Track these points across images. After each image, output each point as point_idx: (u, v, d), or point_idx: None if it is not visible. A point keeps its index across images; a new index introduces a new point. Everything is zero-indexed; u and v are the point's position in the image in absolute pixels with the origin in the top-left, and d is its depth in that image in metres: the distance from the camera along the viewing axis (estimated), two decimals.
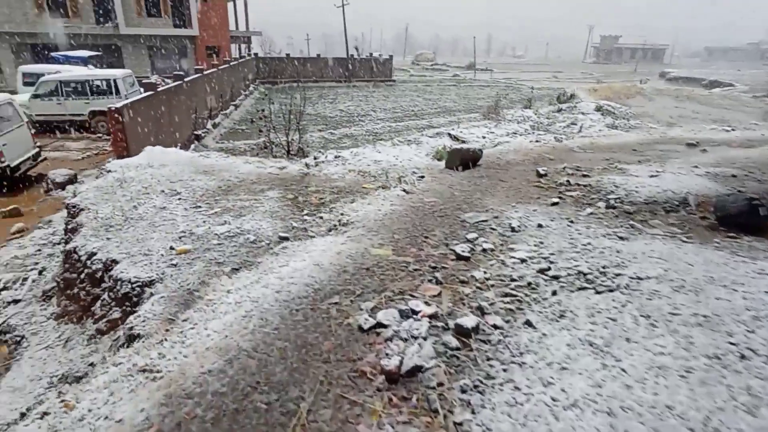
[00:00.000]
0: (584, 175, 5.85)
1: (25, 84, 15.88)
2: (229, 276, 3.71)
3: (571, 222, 4.35)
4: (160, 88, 10.96)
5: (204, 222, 5.45)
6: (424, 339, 2.43)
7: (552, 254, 3.48)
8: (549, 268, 3.18)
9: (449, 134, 11.67)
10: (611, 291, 2.84)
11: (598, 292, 2.84)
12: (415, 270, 3.25)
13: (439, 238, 3.90)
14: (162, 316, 3.76)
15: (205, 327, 2.77)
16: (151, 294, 4.16)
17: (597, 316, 2.61)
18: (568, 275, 3.09)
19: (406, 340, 2.43)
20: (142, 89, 11.20)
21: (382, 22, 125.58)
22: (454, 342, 2.44)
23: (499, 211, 4.59)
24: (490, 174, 6.21)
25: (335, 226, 4.56)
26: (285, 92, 25.75)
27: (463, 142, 11.21)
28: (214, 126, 16.51)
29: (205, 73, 15.88)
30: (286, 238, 5.13)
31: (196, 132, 13.98)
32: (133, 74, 15.81)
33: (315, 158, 9.35)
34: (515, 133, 12.53)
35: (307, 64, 32.94)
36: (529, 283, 3.01)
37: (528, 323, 2.61)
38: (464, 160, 6.52)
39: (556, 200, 4.92)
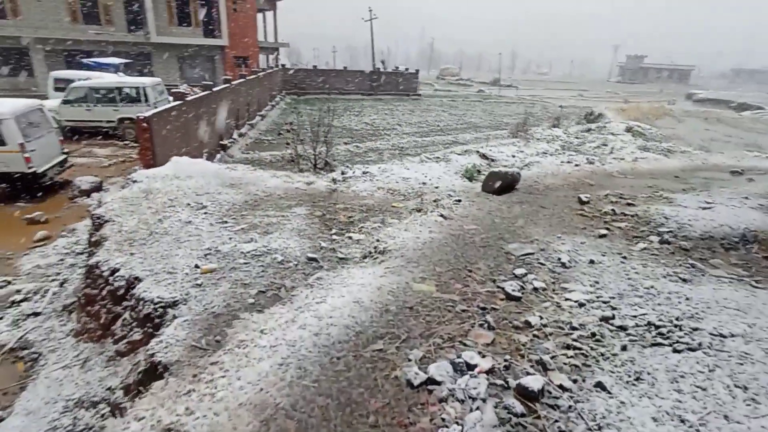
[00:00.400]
0: (629, 204, 5.47)
1: (56, 89, 16.17)
2: (261, 311, 3.44)
3: (625, 258, 3.99)
4: (189, 98, 10.97)
5: (230, 239, 5.24)
6: (484, 401, 2.12)
7: (612, 298, 3.13)
8: (613, 317, 2.84)
9: (478, 152, 11.36)
10: (692, 350, 2.48)
11: (676, 351, 2.49)
12: (463, 311, 2.95)
13: (485, 272, 3.59)
14: (186, 342, 3.53)
15: (237, 376, 2.50)
16: (174, 316, 3.94)
17: (681, 382, 2.26)
18: (637, 326, 2.74)
19: (463, 401, 2.12)
20: (171, 98, 11.24)
21: (407, 36, 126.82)
22: (518, 406, 2.12)
23: (545, 243, 4.26)
24: (530, 200, 5.88)
25: (371, 253, 4.28)
26: (311, 104, 25.94)
27: (493, 160, 10.89)
28: (241, 136, 16.55)
29: (233, 83, 15.97)
30: (315, 260, 4.88)
31: (222, 142, 13.99)
32: (161, 82, 16.00)
33: (342, 173, 9.15)
34: (545, 153, 12.14)
35: (333, 76, 33.16)
36: (593, 334, 2.68)
37: (600, 386, 2.27)
38: (502, 183, 6.21)
39: (603, 232, 4.56)
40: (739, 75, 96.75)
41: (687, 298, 3.13)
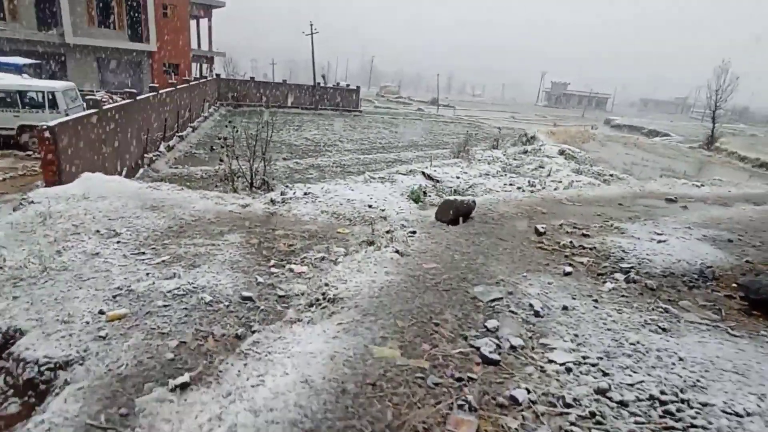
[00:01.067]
0: (584, 234, 5.40)
1: None
2: (173, 390, 2.74)
3: (596, 302, 3.80)
4: (107, 106, 9.79)
5: (147, 275, 4.45)
6: None
7: (600, 359, 2.86)
8: (609, 387, 2.54)
9: (423, 173, 11.18)
10: None
11: None
12: (436, 384, 2.50)
13: (453, 325, 3.19)
14: (78, 420, 2.76)
15: None
16: (67, 382, 3.13)
17: None
18: (638, 400, 2.45)
19: None
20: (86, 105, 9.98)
21: (348, 52, 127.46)
22: None
23: (512, 284, 3.97)
24: (487, 230, 5.63)
25: (318, 300, 3.72)
26: (248, 116, 24.76)
27: (438, 181, 10.75)
28: (169, 149, 15.24)
29: (160, 92, 14.71)
30: (250, 299, 4.23)
31: (146, 155, 12.72)
32: (75, 88, 14.33)
33: (282, 194, 8.50)
34: (488, 174, 12.27)
35: (273, 89, 32.15)
36: (592, 414, 2.33)
37: None
38: (458, 212, 5.91)
39: (568, 269, 4.38)
40: (647, 104, 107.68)
41: (680, 359, 2.93)
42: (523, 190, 9.89)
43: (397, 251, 4.49)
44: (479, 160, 14.90)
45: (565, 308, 3.50)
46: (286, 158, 16.84)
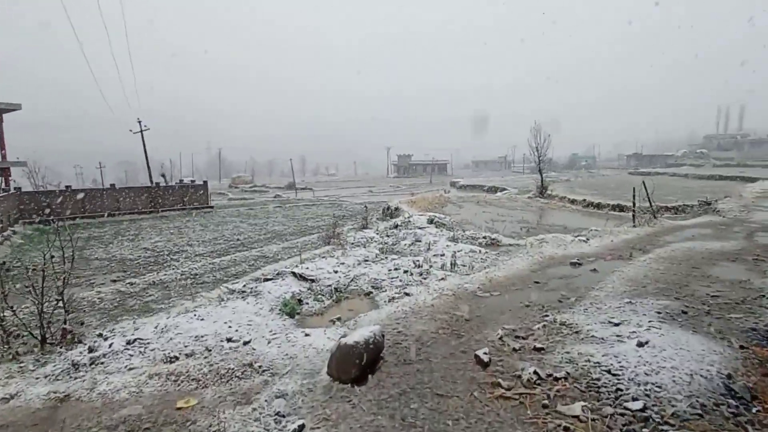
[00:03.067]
0: (536, 349, 4.13)
1: None
2: None
3: None
4: None
5: None
6: None
7: None
8: None
9: (293, 273, 9.35)
10: None
11: None
12: None
13: None
14: None
15: None
16: None
17: None
18: None
19: None
20: None
21: (192, 147, 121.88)
22: None
23: None
24: (414, 383, 3.84)
25: None
26: (61, 234, 19.95)
27: (313, 281, 9.00)
28: None
29: None
30: None
31: None
32: None
33: (91, 350, 5.84)
34: (367, 261, 10.97)
35: (98, 197, 27.38)
36: None
37: None
38: (363, 362, 4.04)
39: None
40: (478, 165, 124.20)
41: None
42: (411, 274, 8.72)
43: None
44: (353, 244, 13.66)
45: None
46: (116, 279, 13.38)
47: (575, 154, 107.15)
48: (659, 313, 4.38)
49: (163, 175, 35.98)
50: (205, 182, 32.82)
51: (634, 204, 10.21)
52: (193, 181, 32.71)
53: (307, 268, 9.65)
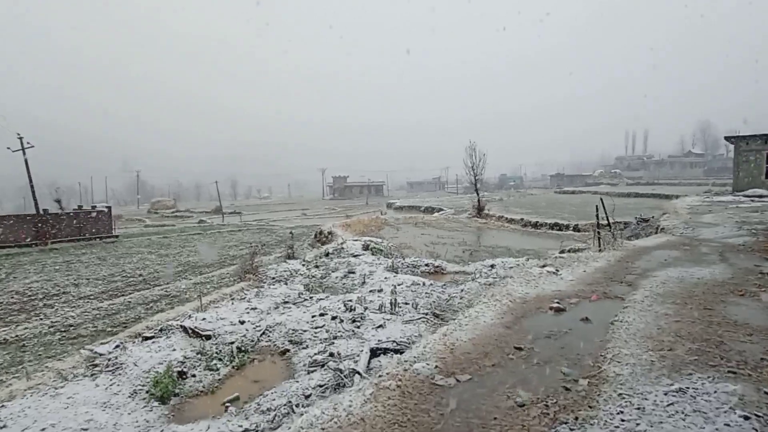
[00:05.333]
0: None
1: None
2: None
3: None
4: None
5: None
6: None
7: None
8: None
9: (183, 327, 7.05)
10: None
11: None
12: None
13: None
14: None
15: None
16: None
17: None
18: None
19: None
20: None
21: (108, 168, 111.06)
22: None
23: None
24: None
25: None
26: None
27: (208, 337, 6.76)
28: None
29: None
30: None
31: None
32: None
33: None
34: (286, 303, 8.85)
35: None
36: None
37: None
38: None
39: None
40: (413, 186, 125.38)
41: None
42: (341, 321, 6.80)
43: None
44: (274, 278, 11.45)
45: None
46: None
47: (504, 174, 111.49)
48: (735, 410, 2.75)
49: (58, 201, 31.10)
50: (109, 208, 28.65)
51: (598, 225, 9.17)
52: (93, 207, 28.45)
53: (204, 318, 7.37)
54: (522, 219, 25.72)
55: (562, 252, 9.42)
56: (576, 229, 22.69)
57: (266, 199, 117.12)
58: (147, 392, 5.02)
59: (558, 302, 4.68)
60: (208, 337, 6.71)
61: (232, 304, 8.57)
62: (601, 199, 10.39)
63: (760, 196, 19.32)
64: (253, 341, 6.74)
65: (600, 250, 7.76)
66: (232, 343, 6.60)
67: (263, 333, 6.96)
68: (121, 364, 5.59)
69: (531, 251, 17.09)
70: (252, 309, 8.20)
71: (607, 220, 9.69)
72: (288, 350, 6.43)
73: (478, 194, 29.77)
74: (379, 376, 3.55)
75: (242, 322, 7.30)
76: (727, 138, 25.35)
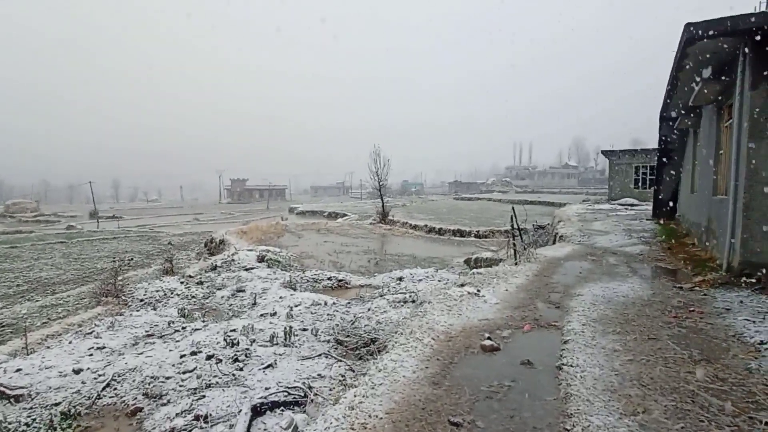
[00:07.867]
0: None
1: None
2: None
3: None
4: None
5: None
6: None
7: None
8: None
9: None
10: None
11: None
12: None
13: None
14: None
15: None
16: None
17: None
18: None
19: None
20: None
21: None
22: None
23: None
24: None
25: None
26: None
27: (18, 399, 4.81)
28: None
29: None
30: None
31: None
32: None
33: None
34: (150, 336, 7.01)
35: None
36: None
37: None
38: None
39: None
40: (317, 191, 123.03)
41: None
42: (219, 361, 5.33)
43: None
44: (142, 301, 9.36)
45: None
46: None
47: (406, 181, 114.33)
48: None
49: None
50: None
51: (514, 236, 8.77)
52: None
53: (19, 369, 5.35)
54: (426, 225, 25.70)
55: (477, 265, 8.97)
56: (477, 235, 23.17)
57: (154, 203, 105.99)
58: None
59: (489, 336, 3.85)
60: (18, 399, 4.77)
61: (71, 343, 6.52)
62: (513, 208, 10.15)
63: (632, 205, 21.41)
64: (90, 398, 4.95)
65: (516, 264, 7.30)
66: (57, 404, 4.75)
67: (107, 385, 5.18)
68: None
69: (437, 259, 16.78)
70: (98, 349, 6.27)
71: (518, 229, 9.44)
72: (141, 409, 4.78)
73: (382, 200, 29.27)
74: None
75: (77, 372, 5.41)
76: (603, 152, 28.02)
